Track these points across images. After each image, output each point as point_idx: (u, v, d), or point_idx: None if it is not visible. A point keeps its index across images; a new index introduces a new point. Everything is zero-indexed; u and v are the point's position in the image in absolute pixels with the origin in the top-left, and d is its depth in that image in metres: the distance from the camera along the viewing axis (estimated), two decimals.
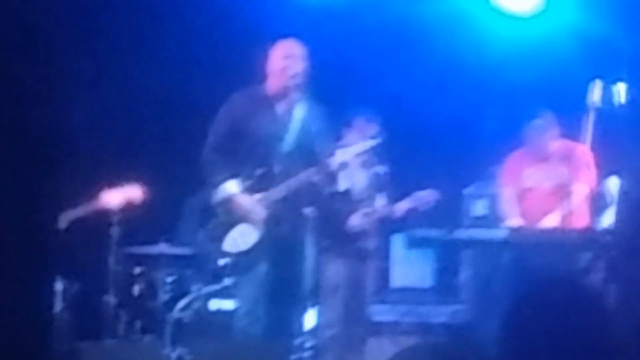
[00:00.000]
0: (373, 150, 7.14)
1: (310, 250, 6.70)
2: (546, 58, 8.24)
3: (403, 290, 8.52)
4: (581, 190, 7.30)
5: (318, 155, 6.67)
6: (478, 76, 8.51)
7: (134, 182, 7.64)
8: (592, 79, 6.67)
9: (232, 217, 6.62)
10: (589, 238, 6.58)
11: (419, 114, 8.51)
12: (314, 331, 7.45)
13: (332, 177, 6.86)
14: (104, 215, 7.71)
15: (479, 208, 7.95)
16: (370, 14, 8.59)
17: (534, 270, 6.51)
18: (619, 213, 6.06)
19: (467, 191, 8.12)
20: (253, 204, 6.59)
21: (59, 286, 7.37)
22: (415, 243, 8.13)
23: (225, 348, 6.40)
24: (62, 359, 6.60)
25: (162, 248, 8.06)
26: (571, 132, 7.13)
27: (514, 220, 7.36)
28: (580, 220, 7.27)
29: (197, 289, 7.74)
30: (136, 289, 7.99)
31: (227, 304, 7.47)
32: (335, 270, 7.51)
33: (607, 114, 6.55)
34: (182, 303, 7.65)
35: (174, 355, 7.09)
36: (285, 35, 6.77)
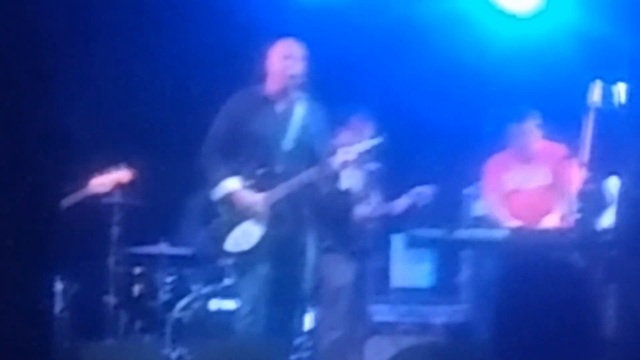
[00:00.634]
0: (374, 149, 7.13)
1: (311, 250, 6.70)
2: (546, 58, 8.25)
3: (403, 290, 8.52)
4: (566, 190, 7.31)
5: (319, 154, 6.67)
6: (478, 76, 8.52)
7: (133, 182, 7.65)
8: (592, 79, 6.67)
9: (233, 215, 6.61)
10: (589, 238, 6.58)
11: (419, 114, 8.50)
12: (314, 331, 7.46)
13: (333, 176, 6.86)
14: (104, 215, 7.72)
15: (479, 208, 7.95)
16: (370, 13, 8.59)
17: (534, 270, 6.50)
18: (619, 213, 6.04)
19: (467, 191, 8.12)
20: (254, 199, 6.58)
21: (59, 286, 7.36)
22: (415, 243, 8.13)
23: (226, 348, 6.39)
24: (62, 359, 6.59)
25: (162, 248, 8.05)
26: (571, 132, 7.13)
27: (506, 223, 7.38)
28: (568, 220, 7.27)
29: (197, 289, 7.75)
30: (136, 289, 7.99)
31: (228, 304, 7.48)
32: (336, 270, 7.51)
33: (607, 114, 6.55)
34: (182, 303, 7.66)
35: (174, 355, 7.11)
36: (284, 35, 6.78)
